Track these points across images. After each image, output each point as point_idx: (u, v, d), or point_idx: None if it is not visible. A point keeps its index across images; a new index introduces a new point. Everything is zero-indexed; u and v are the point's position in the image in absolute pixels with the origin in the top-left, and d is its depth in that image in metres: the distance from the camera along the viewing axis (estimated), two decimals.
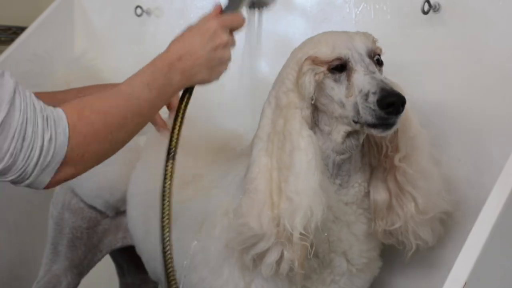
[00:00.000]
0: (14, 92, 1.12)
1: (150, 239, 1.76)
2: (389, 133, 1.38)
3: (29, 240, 2.49)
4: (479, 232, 1.25)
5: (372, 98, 1.31)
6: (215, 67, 1.42)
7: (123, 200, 1.94)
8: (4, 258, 2.48)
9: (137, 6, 2.47)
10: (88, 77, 2.12)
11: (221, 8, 1.45)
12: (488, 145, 1.55)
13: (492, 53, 1.58)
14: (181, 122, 1.45)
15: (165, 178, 1.44)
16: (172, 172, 1.44)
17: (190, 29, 1.42)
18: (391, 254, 1.60)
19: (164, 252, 1.46)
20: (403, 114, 1.34)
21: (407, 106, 1.35)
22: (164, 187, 1.45)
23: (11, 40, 2.58)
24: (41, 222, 2.18)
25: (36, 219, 2.31)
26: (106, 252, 2.05)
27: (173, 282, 1.47)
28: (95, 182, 1.93)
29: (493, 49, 1.58)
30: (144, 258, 1.89)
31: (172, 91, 1.38)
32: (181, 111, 1.45)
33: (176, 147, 1.45)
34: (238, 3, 1.44)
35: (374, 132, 1.36)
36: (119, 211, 1.98)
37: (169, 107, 1.76)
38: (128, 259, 2.22)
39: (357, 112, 1.35)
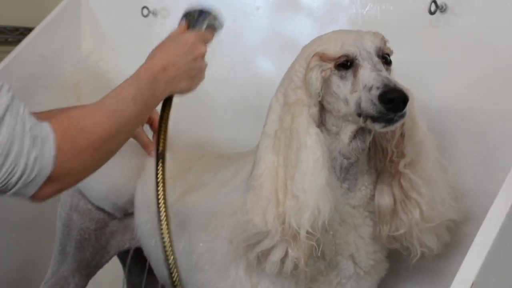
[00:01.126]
0: (7, 109, 1.14)
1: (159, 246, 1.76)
2: (390, 128, 1.37)
3: (36, 241, 2.50)
4: (486, 231, 1.25)
5: (375, 92, 1.32)
6: (195, 76, 1.48)
7: (131, 202, 1.94)
8: (12, 259, 2.49)
9: (144, 7, 2.47)
10: (94, 77, 2.13)
11: (187, 27, 1.52)
12: (496, 147, 1.55)
13: (500, 53, 1.58)
14: (166, 129, 1.53)
15: (157, 183, 1.49)
16: (163, 176, 1.49)
17: (168, 41, 1.48)
18: (397, 258, 1.59)
19: (166, 256, 1.48)
20: (406, 113, 1.33)
21: (415, 110, 1.34)
22: (157, 192, 1.49)
23: (18, 41, 2.58)
24: (48, 223, 2.18)
25: (44, 220, 2.32)
26: (114, 254, 2.05)
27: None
28: (102, 185, 1.93)
29: (500, 49, 1.58)
30: (153, 264, 1.89)
31: (157, 102, 1.44)
32: (164, 119, 1.53)
33: (164, 151, 1.51)
34: (199, 24, 1.52)
35: (376, 126, 1.36)
36: (127, 213, 1.98)
37: (152, 126, 1.83)
38: (135, 259, 2.22)
39: (359, 106, 1.35)
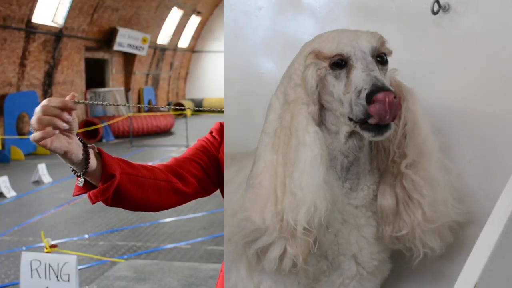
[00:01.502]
0: None
1: None
2: (379, 138, 1.38)
3: None
4: (489, 232, 1.24)
5: (363, 94, 1.34)
6: None
7: None
8: None
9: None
10: None
11: None
12: (497, 146, 1.54)
13: (502, 53, 1.57)
14: None
15: None
16: None
17: None
18: (400, 258, 1.59)
19: None
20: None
21: (417, 111, 1.34)
22: None
23: None
24: None
25: None
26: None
27: None
28: None
29: (503, 49, 1.57)
30: None
31: None
32: None
33: None
34: None
35: (365, 135, 1.38)
36: None
37: None
38: None
39: (351, 108, 1.37)
